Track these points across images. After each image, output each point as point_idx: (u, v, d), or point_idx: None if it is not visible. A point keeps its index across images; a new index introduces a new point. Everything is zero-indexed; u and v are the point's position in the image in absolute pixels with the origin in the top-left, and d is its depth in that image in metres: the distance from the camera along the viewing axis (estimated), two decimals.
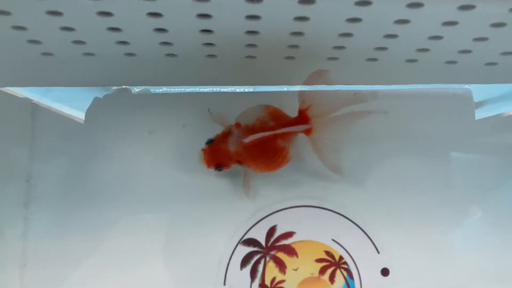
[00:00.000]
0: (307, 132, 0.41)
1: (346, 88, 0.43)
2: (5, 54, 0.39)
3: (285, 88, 0.47)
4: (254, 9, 0.32)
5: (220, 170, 0.42)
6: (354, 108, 0.40)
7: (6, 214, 0.43)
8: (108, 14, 0.33)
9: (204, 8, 0.32)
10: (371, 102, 0.40)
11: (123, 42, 0.38)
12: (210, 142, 0.42)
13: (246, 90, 0.48)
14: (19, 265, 0.43)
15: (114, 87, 0.48)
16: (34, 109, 0.45)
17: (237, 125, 0.41)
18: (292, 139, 0.42)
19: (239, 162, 0.42)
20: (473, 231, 0.46)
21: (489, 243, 0.46)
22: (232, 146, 0.41)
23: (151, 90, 0.48)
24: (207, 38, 0.37)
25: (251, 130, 0.40)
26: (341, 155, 0.42)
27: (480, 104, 0.50)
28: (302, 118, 0.41)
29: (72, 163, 0.45)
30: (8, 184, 0.43)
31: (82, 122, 0.46)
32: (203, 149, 0.41)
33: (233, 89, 0.48)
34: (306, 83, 0.41)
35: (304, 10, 0.32)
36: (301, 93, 0.41)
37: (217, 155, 0.41)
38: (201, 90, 0.48)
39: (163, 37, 0.37)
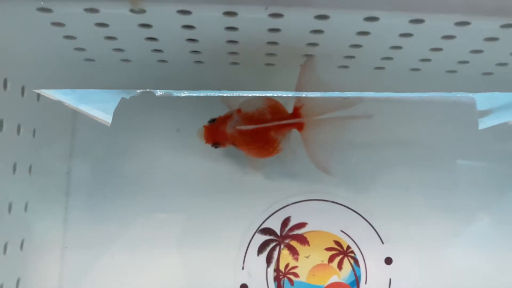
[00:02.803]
0: (299, 128, 0.43)
1: (338, 95, 0.45)
2: (53, 59, 0.44)
3: (303, 94, 0.50)
4: (275, 23, 0.36)
5: (216, 147, 0.45)
6: (342, 112, 0.42)
7: (50, 202, 0.47)
8: (148, 26, 0.37)
9: (232, 22, 0.36)
10: (358, 106, 0.42)
11: (158, 50, 0.43)
12: (212, 121, 0.45)
13: (263, 94, 0.50)
14: (61, 247, 0.47)
15: (139, 90, 0.52)
16: (75, 110, 0.49)
17: (238, 111, 0.43)
18: (286, 133, 0.44)
19: (234, 144, 0.44)
20: (479, 234, 0.49)
21: (493, 246, 0.49)
22: (230, 129, 0.43)
23: (173, 93, 0.52)
24: (232, 47, 0.42)
25: (249, 118, 0.42)
26: (330, 157, 0.43)
27: (484, 112, 0.52)
28: (296, 114, 0.43)
29: (105, 158, 0.50)
30: (51, 176, 0.48)
31: (109, 123, 0.49)
32: (204, 126, 0.45)
33: (252, 93, 0.50)
34: (299, 84, 0.43)
35: (319, 24, 0.36)
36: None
37: (216, 134, 0.44)
38: (222, 94, 0.50)
39: (193, 46, 0.41)
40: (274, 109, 0.43)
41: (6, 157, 0.41)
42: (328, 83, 0.42)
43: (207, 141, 0.45)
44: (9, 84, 0.40)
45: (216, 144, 0.45)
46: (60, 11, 0.35)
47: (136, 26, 0.37)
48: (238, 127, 0.42)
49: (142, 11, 0.35)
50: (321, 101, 0.43)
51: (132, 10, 0.34)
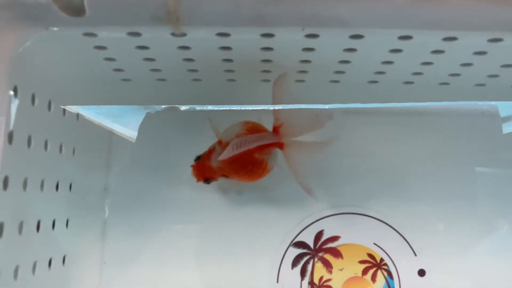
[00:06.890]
0: (281, 147, 0.43)
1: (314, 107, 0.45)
2: (91, 79, 0.45)
3: (326, 106, 0.51)
4: (311, 43, 0.37)
5: (208, 183, 0.45)
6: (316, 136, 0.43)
7: (88, 218, 0.48)
8: (186, 48, 0.38)
9: (268, 42, 0.37)
10: (328, 123, 0.42)
11: (193, 70, 0.44)
12: (197, 159, 0.45)
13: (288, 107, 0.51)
14: (99, 262, 0.48)
15: (163, 106, 0.52)
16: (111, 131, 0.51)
17: (219, 142, 0.43)
18: (270, 151, 0.43)
19: (224, 175, 0.44)
20: (501, 242, 0.49)
21: None
22: (214, 163, 0.43)
23: (196, 108, 0.52)
24: (266, 66, 0.43)
25: None
26: (307, 177, 0.43)
27: (506, 119, 0.52)
28: (275, 134, 0.43)
29: (141, 173, 0.51)
30: (90, 192, 0.49)
31: (133, 138, 0.51)
32: (192, 166, 0.45)
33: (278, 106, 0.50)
34: (274, 100, 0.42)
35: (353, 43, 0.37)
36: (275, 111, 0.43)
37: (204, 171, 0.44)
38: (248, 107, 0.51)
39: (228, 65, 0.42)
40: (252, 131, 0.43)
41: (50, 176, 0.42)
42: (300, 97, 0.42)
43: (198, 180, 0.45)
44: (52, 105, 0.42)
45: (207, 180, 0.45)
46: (105, 35, 0.36)
47: (175, 48, 0.39)
48: (218, 159, 0.42)
49: (183, 35, 0.36)
50: (299, 117, 0.43)
51: (173, 34, 0.36)
